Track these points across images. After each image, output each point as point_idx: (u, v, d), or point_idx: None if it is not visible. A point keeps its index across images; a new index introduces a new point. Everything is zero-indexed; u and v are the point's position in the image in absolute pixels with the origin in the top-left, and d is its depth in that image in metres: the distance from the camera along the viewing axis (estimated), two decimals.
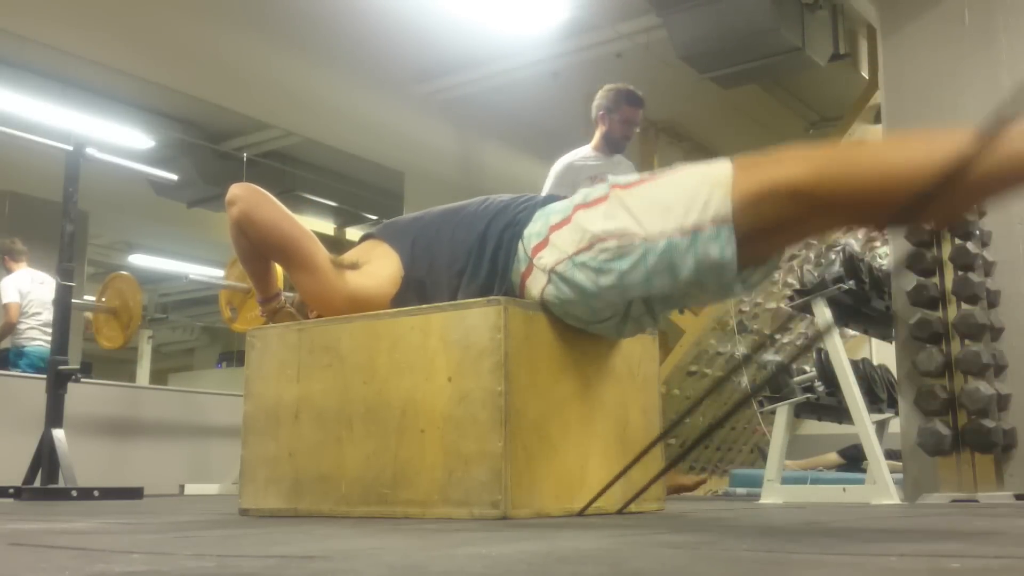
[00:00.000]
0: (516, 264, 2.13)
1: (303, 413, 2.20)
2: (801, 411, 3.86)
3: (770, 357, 6.36)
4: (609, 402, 2.23)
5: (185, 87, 7.03)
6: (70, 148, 4.01)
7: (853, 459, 5.43)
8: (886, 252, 5.48)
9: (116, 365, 13.28)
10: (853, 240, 6.76)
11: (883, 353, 4.69)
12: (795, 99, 7.62)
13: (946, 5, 3.98)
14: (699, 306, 2.06)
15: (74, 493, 3.54)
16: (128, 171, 5.12)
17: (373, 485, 2.05)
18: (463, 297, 2.13)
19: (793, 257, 6.55)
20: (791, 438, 3.93)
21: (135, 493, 3.79)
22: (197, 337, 15.99)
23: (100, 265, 11.27)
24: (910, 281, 3.61)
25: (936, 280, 3.53)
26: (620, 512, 2.19)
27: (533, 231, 2.11)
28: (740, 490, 5.15)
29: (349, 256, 2.37)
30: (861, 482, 3.86)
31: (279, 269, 2.47)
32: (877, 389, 4.03)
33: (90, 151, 4.07)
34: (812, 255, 6.48)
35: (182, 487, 4.92)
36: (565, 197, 2.21)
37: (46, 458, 3.67)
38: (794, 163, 1.77)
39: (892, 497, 3.23)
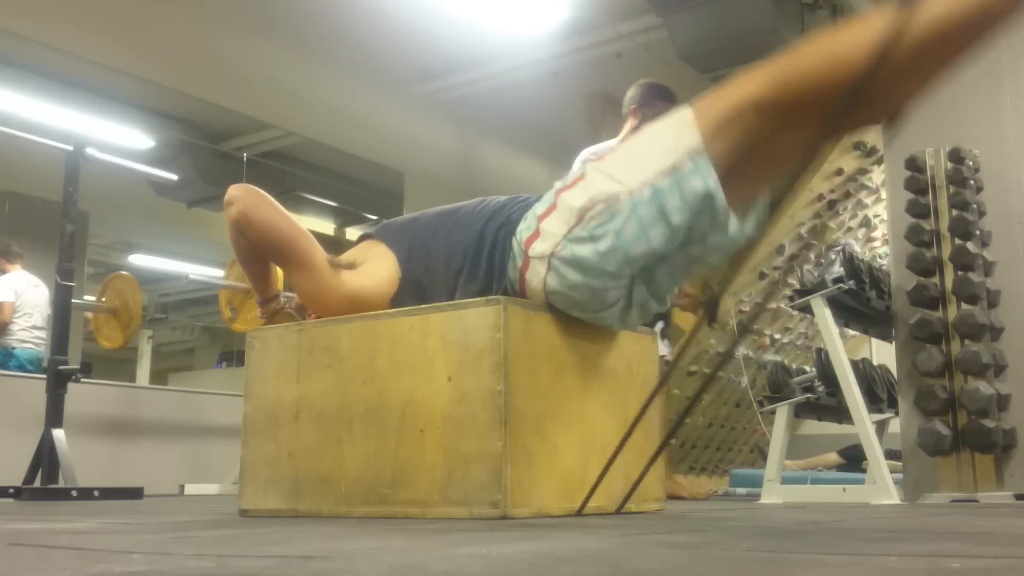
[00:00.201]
0: (512, 261, 2.13)
1: (303, 413, 2.20)
2: (801, 411, 3.86)
3: (770, 357, 6.37)
4: (609, 402, 2.23)
5: (185, 87, 7.03)
6: (70, 148, 4.01)
7: (853, 459, 5.43)
8: (886, 252, 5.48)
9: (116, 365, 13.27)
10: (853, 240, 6.77)
11: (883, 353, 4.69)
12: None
13: None
14: (705, 274, 2.04)
15: (74, 493, 3.54)
16: (128, 171, 5.12)
17: (373, 485, 2.05)
18: (460, 297, 2.13)
19: (793, 257, 6.56)
20: (791, 438, 3.93)
21: (135, 493, 3.79)
22: (197, 337, 15.99)
23: (100, 265, 11.27)
24: (910, 281, 3.61)
25: (936, 280, 3.53)
26: (619, 512, 2.19)
27: (524, 226, 2.12)
28: (740, 490, 5.14)
29: (346, 256, 2.37)
30: (861, 482, 3.86)
31: (278, 271, 2.48)
32: (877, 389, 4.03)
33: (90, 151, 4.07)
34: (812, 255, 6.48)
35: (182, 487, 4.92)
36: None
37: (46, 458, 3.67)
38: (748, 80, 1.87)
39: (892, 497, 3.23)
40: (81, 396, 4.14)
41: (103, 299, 4.80)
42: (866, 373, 3.99)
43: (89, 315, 5.25)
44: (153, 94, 7.51)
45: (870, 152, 6.69)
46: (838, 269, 3.57)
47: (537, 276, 2.08)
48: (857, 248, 6.62)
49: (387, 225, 2.51)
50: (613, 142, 4.27)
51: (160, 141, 8.22)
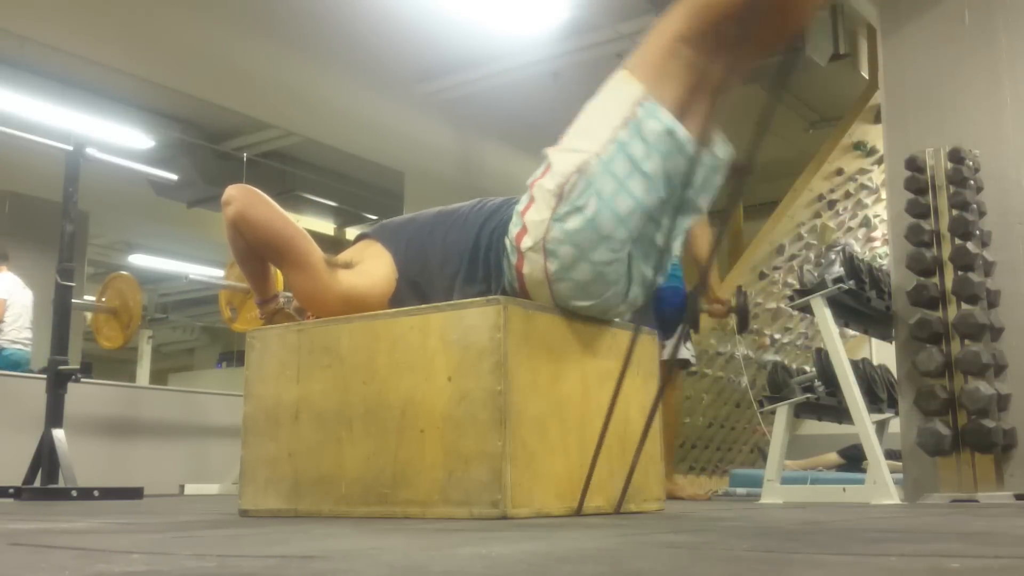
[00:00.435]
0: (507, 260, 2.15)
1: (303, 413, 2.20)
2: (801, 411, 3.86)
3: (770, 357, 6.37)
4: (609, 401, 2.22)
5: (185, 87, 7.02)
6: (70, 148, 4.01)
7: (853, 459, 5.42)
8: (886, 252, 5.48)
9: (116, 365, 13.27)
10: (853, 240, 6.77)
11: (883, 353, 4.69)
12: (795, 99, 7.62)
13: (946, 5, 3.98)
14: (698, 220, 2.04)
15: (74, 493, 3.54)
16: (128, 171, 5.11)
17: (373, 485, 2.05)
18: (458, 299, 2.14)
19: (793, 257, 6.56)
20: (791, 438, 3.93)
21: (135, 493, 3.79)
22: (197, 337, 15.97)
23: (100, 265, 11.26)
24: (910, 281, 3.61)
25: (936, 280, 3.53)
26: (619, 512, 2.19)
27: (512, 225, 2.15)
28: (740, 490, 5.14)
29: (343, 256, 2.38)
30: (861, 482, 3.86)
31: (277, 271, 2.48)
32: (877, 389, 4.03)
33: (90, 151, 4.07)
34: (812, 255, 6.48)
35: (182, 487, 4.92)
36: None
37: (46, 458, 3.66)
38: (668, 21, 2.05)
39: (892, 497, 3.23)
40: (81, 396, 4.14)
41: (103, 299, 4.80)
42: (866, 373, 3.99)
43: (89, 315, 5.24)
44: (153, 94, 7.50)
45: (870, 152, 6.70)
46: (838, 269, 3.57)
47: (536, 267, 2.10)
48: (857, 248, 6.62)
49: (384, 225, 2.52)
50: None
51: (160, 141, 8.21)
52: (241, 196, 2.24)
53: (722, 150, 2.11)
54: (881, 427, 4.21)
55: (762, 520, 2.04)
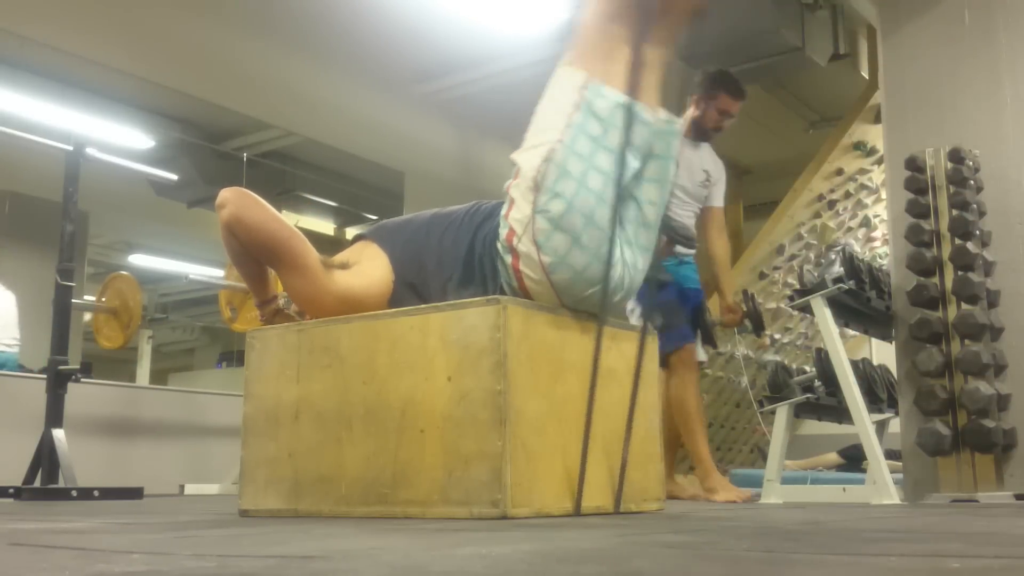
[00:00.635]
0: (502, 263, 2.17)
1: (303, 414, 2.20)
2: (801, 411, 3.86)
3: (770, 357, 6.37)
4: (609, 401, 2.23)
5: (185, 87, 7.01)
6: (70, 148, 4.01)
7: (853, 459, 5.42)
8: (886, 252, 5.48)
9: (116, 365, 13.26)
10: (853, 240, 6.77)
11: (883, 353, 4.69)
12: (795, 99, 7.62)
13: (946, 5, 3.98)
14: (668, 182, 2.10)
15: (74, 493, 3.54)
16: (128, 171, 5.11)
17: (373, 485, 2.05)
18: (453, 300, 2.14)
19: (793, 257, 6.56)
20: (791, 438, 3.93)
21: (135, 493, 3.78)
22: (197, 337, 15.96)
23: (100, 265, 11.25)
24: (910, 281, 3.61)
25: (936, 280, 3.53)
26: (619, 512, 2.19)
27: (501, 229, 2.19)
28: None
29: (340, 257, 2.40)
30: (861, 482, 3.86)
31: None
32: (877, 389, 4.03)
33: (90, 151, 4.06)
34: (812, 255, 6.48)
35: (182, 487, 4.91)
36: None
37: (46, 458, 3.66)
38: (592, 7, 2.19)
39: (892, 497, 3.23)
40: (81, 396, 4.14)
41: (103, 299, 4.80)
42: (866, 373, 3.99)
43: (89, 315, 5.24)
44: (153, 94, 7.49)
45: (870, 152, 6.70)
46: (838, 269, 3.57)
47: (532, 262, 2.12)
48: (857, 248, 6.62)
49: (380, 227, 2.53)
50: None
51: (160, 141, 8.21)
52: (235, 199, 2.25)
53: (667, 115, 2.21)
54: (881, 427, 4.20)
55: (762, 520, 2.04)
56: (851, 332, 4.89)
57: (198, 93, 7.12)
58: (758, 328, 4.10)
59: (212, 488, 4.93)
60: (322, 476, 2.14)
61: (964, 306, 3.46)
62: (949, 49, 3.95)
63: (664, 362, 3.76)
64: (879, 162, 6.46)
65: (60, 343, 3.86)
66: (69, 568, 0.99)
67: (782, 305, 6.24)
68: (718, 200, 4.13)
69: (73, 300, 3.99)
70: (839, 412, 3.78)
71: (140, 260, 11.65)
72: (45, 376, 3.86)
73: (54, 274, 3.93)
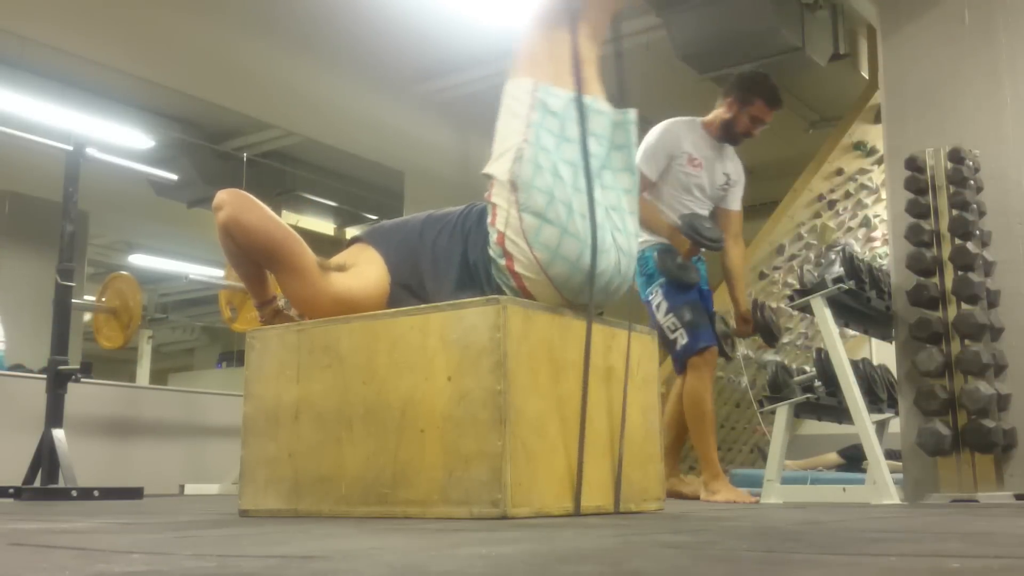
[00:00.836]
0: (495, 266, 2.19)
1: (303, 414, 2.20)
2: (801, 411, 3.85)
3: (770, 357, 6.36)
4: (609, 401, 2.23)
5: (185, 87, 7.01)
6: (70, 148, 4.00)
7: (853, 459, 5.42)
8: (886, 252, 5.48)
9: (116, 365, 13.26)
10: (853, 240, 6.77)
11: (883, 353, 4.69)
12: (795, 99, 7.61)
13: (946, 5, 3.98)
14: (635, 169, 2.23)
15: (74, 493, 3.54)
16: (128, 171, 5.11)
17: (373, 485, 2.05)
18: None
19: (793, 257, 6.56)
20: (791, 438, 3.93)
21: (135, 493, 3.78)
22: (197, 337, 15.96)
23: (100, 265, 11.25)
24: (910, 281, 3.61)
25: (936, 280, 3.53)
26: (619, 512, 2.19)
27: (490, 235, 2.22)
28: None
29: (336, 259, 2.40)
30: (861, 482, 3.86)
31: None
32: (877, 389, 4.02)
33: (90, 151, 4.06)
34: (812, 255, 6.48)
35: (182, 487, 4.91)
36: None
37: (46, 458, 3.66)
38: (525, 18, 2.33)
39: (892, 497, 3.23)
40: (81, 396, 4.14)
41: (103, 299, 4.79)
42: (866, 373, 3.99)
43: (89, 315, 5.23)
44: (153, 94, 7.49)
45: (870, 152, 6.70)
46: (838, 269, 3.57)
47: (527, 261, 2.14)
48: (857, 248, 6.62)
49: (375, 229, 2.55)
50: (697, 126, 3.96)
51: (160, 141, 8.21)
52: (232, 200, 2.26)
53: (627, 110, 2.33)
54: (881, 427, 4.20)
55: (762, 520, 2.04)
56: (851, 332, 4.89)
57: (198, 93, 7.12)
58: (770, 340, 4.03)
59: (212, 488, 4.93)
60: (322, 476, 2.14)
61: (964, 306, 3.46)
62: (949, 49, 3.95)
63: (684, 363, 3.75)
64: (879, 162, 6.46)
65: (60, 343, 3.86)
66: (69, 568, 0.99)
67: (782, 305, 6.24)
68: (736, 203, 4.05)
69: (73, 300, 3.99)
70: (839, 412, 3.78)
71: (140, 260, 11.65)
72: (45, 376, 3.86)
73: (54, 274, 3.92)
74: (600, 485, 2.15)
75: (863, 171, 6.80)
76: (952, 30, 3.95)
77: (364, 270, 2.35)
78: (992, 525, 1.81)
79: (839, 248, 4.02)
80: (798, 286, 3.76)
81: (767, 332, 3.97)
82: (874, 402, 3.97)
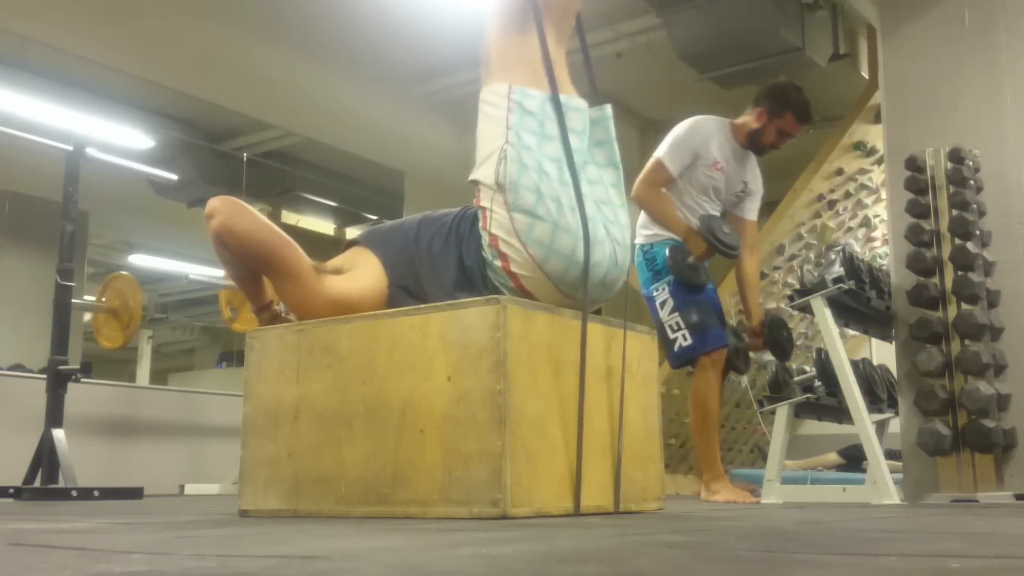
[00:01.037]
0: (491, 267, 2.20)
1: (303, 414, 2.20)
2: (801, 411, 3.85)
3: (770, 357, 6.36)
4: (610, 401, 2.23)
5: (185, 87, 7.02)
6: (70, 148, 4.01)
7: (853, 459, 5.42)
8: (886, 252, 5.48)
9: (116, 365, 13.27)
10: (853, 240, 6.77)
11: (883, 353, 4.69)
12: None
13: (946, 5, 3.98)
14: (618, 164, 2.26)
15: (74, 493, 3.54)
16: (128, 171, 5.12)
17: (373, 485, 2.05)
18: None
19: (793, 257, 6.56)
20: (791, 438, 3.93)
21: (135, 493, 3.78)
22: (197, 337, 15.97)
23: (100, 265, 11.27)
24: (910, 281, 3.61)
25: (936, 280, 3.53)
26: (619, 512, 2.19)
27: (483, 239, 2.23)
28: None
29: (332, 263, 2.40)
30: (861, 482, 3.86)
31: None
32: (877, 389, 4.02)
33: (90, 151, 4.06)
34: (812, 255, 6.48)
35: (182, 487, 4.92)
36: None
37: (46, 458, 3.66)
38: (490, 24, 2.35)
39: (892, 497, 3.23)
40: (81, 396, 4.14)
41: (103, 299, 4.79)
42: (866, 373, 3.99)
43: (89, 315, 5.23)
44: (153, 94, 7.50)
45: (870, 152, 6.70)
46: (838, 269, 3.57)
47: (522, 260, 2.15)
48: (857, 248, 6.62)
49: (371, 231, 2.56)
50: (726, 128, 3.86)
51: (160, 141, 8.21)
52: (224, 208, 2.26)
53: (579, 101, 2.33)
54: (881, 427, 4.20)
55: (762, 520, 2.04)
56: (851, 332, 4.89)
57: (198, 93, 7.13)
58: (780, 356, 3.94)
59: (212, 488, 4.93)
60: (322, 476, 2.14)
61: (964, 306, 3.46)
62: (949, 49, 3.95)
63: (681, 362, 3.73)
64: (879, 162, 6.46)
65: (60, 343, 3.86)
66: (69, 568, 0.99)
67: (782, 305, 6.24)
68: (752, 213, 3.97)
69: (73, 300, 3.99)
70: (839, 412, 3.78)
71: (140, 260, 11.66)
72: (45, 376, 3.86)
73: (54, 274, 3.93)
74: (600, 485, 2.15)
75: (863, 171, 6.80)
76: (952, 30, 3.96)
77: (361, 273, 2.35)
78: (992, 525, 1.81)
79: (839, 248, 4.02)
80: (798, 286, 3.75)
81: (779, 348, 3.87)
82: (874, 402, 3.97)
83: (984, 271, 3.54)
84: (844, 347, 3.63)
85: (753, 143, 3.84)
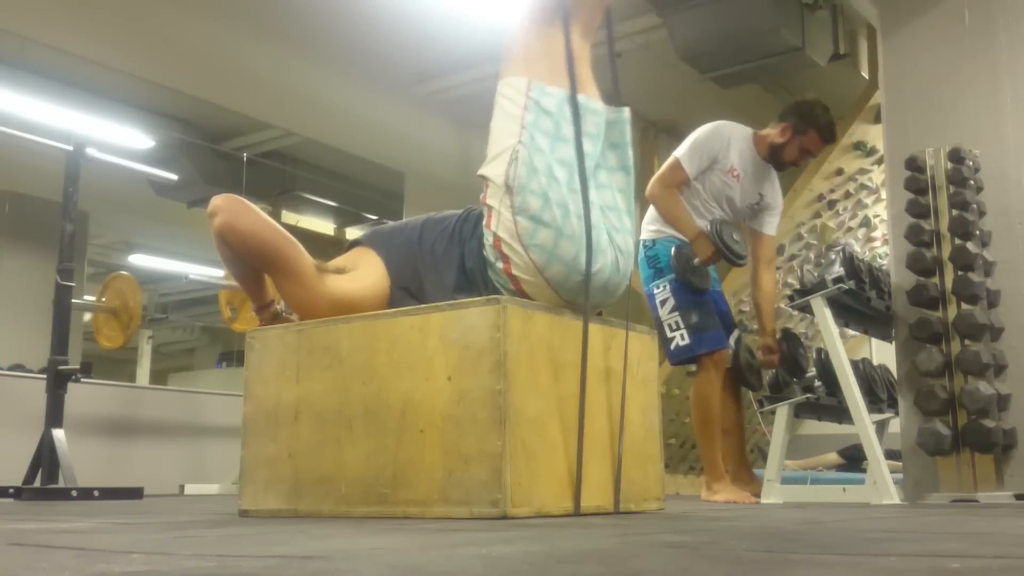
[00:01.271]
0: (492, 269, 2.20)
1: (303, 414, 2.20)
2: (801, 411, 3.85)
3: None
4: (609, 401, 2.23)
5: (185, 87, 7.02)
6: (70, 148, 4.01)
7: (853, 459, 5.42)
8: (886, 252, 5.47)
9: (116, 365, 13.26)
10: (853, 240, 6.77)
11: (883, 353, 4.69)
12: (795, 99, 7.61)
13: (946, 5, 3.98)
14: (630, 168, 2.21)
15: (74, 493, 3.54)
16: (128, 171, 5.11)
17: (373, 485, 2.05)
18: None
19: (793, 257, 6.56)
20: (791, 438, 3.92)
21: (135, 493, 3.78)
22: (197, 337, 15.96)
23: (100, 265, 11.26)
24: (910, 281, 3.61)
25: (936, 280, 3.53)
26: (619, 512, 2.19)
27: (486, 239, 2.23)
28: None
29: (335, 262, 2.40)
30: (861, 482, 3.86)
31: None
32: (877, 389, 4.02)
33: (90, 151, 4.06)
34: (812, 255, 6.48)
35: (182, 487, 4.92)
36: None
37: (46, 458, 3.66)
38: (518, 16, 2.33)
39: (892, 497, 3.23)
40: (81, 396, 4.14)
41: (103, 299, 4.79)
42: (866, 373, 3.98)
43: (89, 315, 5.23)
44: (153, 94, 7.50)
45: (870, 152, 6.70)
46: (838, 269, 3.57)
47: (523, 264, 2.15)
48: (857, 248, 6.61)
49: (374, 232, 2.55)
50: (748, 138, 3.84)
51: (160, 141, 8.21)
52: (227, 206, 2.26)
53: (599, 104, 2.31)
54: (881, 427, 4.20)
55: (762, 520, 2.04)
56: (851, 332, 4.89)
57: (198, 93, 7.12)
58: (798, 373, 3.90)
59: (212, 488, 4.93)
60: (322, 476, 2.14)
61: (964, 306, 3.46)
62: (949, 49, 3.95)
63: (679, 362, 3.73)
64: (879, 162, 6.46)
65: (60, 343, 3.86)
66: (69, 568, 0.99)
67: (782, 305, 6.24)
68: (770, 228, 3.93)
69: (73, 300, 3.99)
70: (839, 412, 3.78)
71: (140, 260, 11.65)
72: (45, 376, 3.86)
73: (54, 274, 3.93)
74: (600, 485, 2.15)
75: (863, 171, 6.80)
76: (952, 30, 3.96)
77: (363, 273, 2.35)
78: (992, 525, 1.81)
79: (839, 248, 4.02)
80: (798, 286, 3.75)
81: (795, 365, 3.85)
82: (874, 402, 3.97)
83: (984, 271, 3.54)
84: (844, 347, 3.63)
85: (774, 157, 3.82)
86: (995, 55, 3.86)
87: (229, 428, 4.56)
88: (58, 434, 3.70)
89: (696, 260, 3.58)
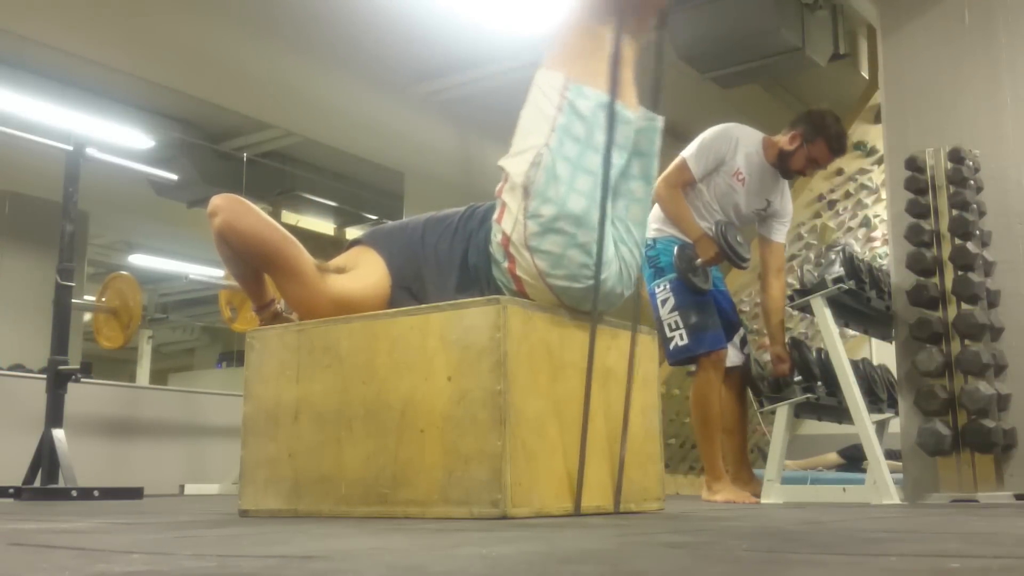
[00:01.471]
0: (497, 267, 2.19)
1: (303, 414, 2.20)
2: (801, 411, 3.85)
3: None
4: (608, 401, 2.23)
5: (185, 87, 7.01)
6: (70, 148, 4.01)
7: (853, 459, 5.42)
8: (886, 252, 5.47)
9: (116, 365, 13.26)
10: (853, 240, 6.77)
11: (883, 353, 4.69)
12: (795, 99, 7.61)
13: (946, 5, 3.98)
14: (652, 178, 2.15)
15: (74, 493, 3.54)
16: (128, 171, 5.11)
17: (373, 485, 2.05)
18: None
19: (793, 257, 6.56)
20: (791, 438, 3.92)
21: (135, 493, 3.78)
22: (197, 337, 15.95)
23: (100, 265, 11.25)
24: (910, 281, 3.61)
25: (936, 280, 3.53)
26: (619, 512, 2.19)
27: (493, 234, 2.21)
28: None
29: (335, 262, 2.40)
30: (861, 482, 3.86)
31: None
32: (877, 389, 4.02)
33: (90, 151, 4.06)
34: (812, 255, 6.48)
35: (182, 487, 4.92)
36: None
37: (46, 458, 3.66)
38: (567, 7, 2.25)
39: (892, 497, 3.23)
40: (81, 396, 4.14)
41: (103, 299, 4.79)
42: (866, 373, 3.98)
43: (89, 315, 5.23)
44: (153, 94, 7.49)
45: (870, 152, 6.70)
46: (838, 269, 3.57)
47: (528, 267, 2.14)
48: (857, 248, 6.62)
49: (376, 231, 2.55)
50: (757, 142, 3.84)
51: (160, 141, 8.21)
52: (227, 206, 2.26)
53: (644, 111, 2.24)
54: (881, 427, 4.20)
55: (762, 520, 2.04)
56: (851, 332, 4.89)
57: (198, 93, 7.12)
58: (808, 380, 3.88)
59: (212, 488, 4.93)
60: (322, 476, 2.14)
61: (964, 306, 3.46)
62: (949, 49, 3.95)
63: (678, 362, 3.73)
64: (879, 162, 6.46)
65: (60, 343, 3.86)
66: (69, 568, 0.99)
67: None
68: (779, 235, 3.93)
69: (73, 300, 3.99)
70: (839, 412, 3.78)
71: (140, 260, 11.65)
72: (45, 376, 3.86)
73: (54, 274, 3.93)
74: (600, 485, 2.15)
75: (863, 171, 6.80)
76: (952, 30, 3.96)
77: (364, 272, 2.35)
78: (992, 525, 1.81)
79: (839, 248, 4.02)
80: (798, 286, 3.75)
81: (807, 373, 3.83)
82: (874, 402, 3.97)
83: (984, 271, 3.54)
84: (844, 347, 3.63)
85: (782, 164, 3.81)
86: (995, 55, 3.86)
87: (229, 428, 4.56)
88: (58, 434, 3.70)
89: (699, 260, 3.59)
